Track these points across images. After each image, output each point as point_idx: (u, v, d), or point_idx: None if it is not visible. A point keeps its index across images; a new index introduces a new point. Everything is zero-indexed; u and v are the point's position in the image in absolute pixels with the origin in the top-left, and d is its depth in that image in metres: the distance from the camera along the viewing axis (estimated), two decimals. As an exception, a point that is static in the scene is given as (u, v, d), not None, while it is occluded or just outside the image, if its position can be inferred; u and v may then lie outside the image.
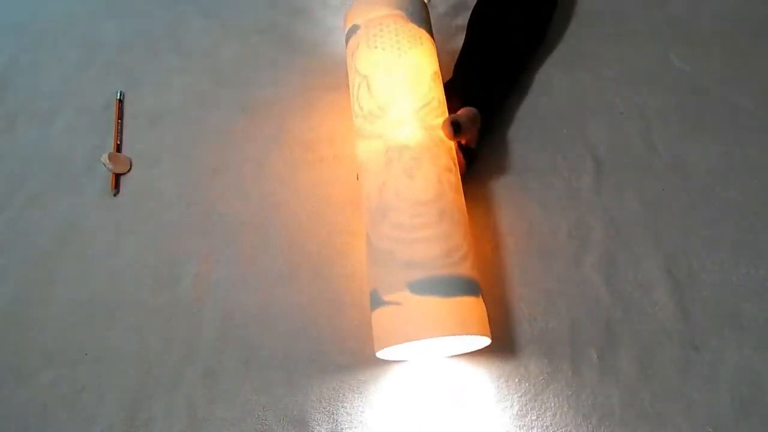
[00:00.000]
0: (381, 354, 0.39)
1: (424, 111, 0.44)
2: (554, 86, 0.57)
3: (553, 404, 0.40)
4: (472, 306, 0.38)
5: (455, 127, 0.44)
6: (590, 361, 0.42)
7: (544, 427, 0.40)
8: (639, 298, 0.44)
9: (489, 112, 0.50)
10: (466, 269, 0.39)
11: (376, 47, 0.47)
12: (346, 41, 0.51)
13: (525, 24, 0.57)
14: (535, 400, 0.41)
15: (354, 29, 0.49)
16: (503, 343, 0.43)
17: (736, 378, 0.40)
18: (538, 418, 0.40)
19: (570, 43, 0.60)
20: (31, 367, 0.46)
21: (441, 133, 0.44)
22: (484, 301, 0.40)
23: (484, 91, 0.52)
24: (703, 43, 0.59)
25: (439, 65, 0.50)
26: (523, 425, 0.40)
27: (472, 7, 0.60)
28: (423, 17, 0.50)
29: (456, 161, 0.45)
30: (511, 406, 0.41)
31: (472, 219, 0.49)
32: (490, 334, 0.39)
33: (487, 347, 0.43)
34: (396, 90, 0.45)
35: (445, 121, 0.44)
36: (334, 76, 0.61)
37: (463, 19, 0.60)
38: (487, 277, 0.46)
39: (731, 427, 0.39)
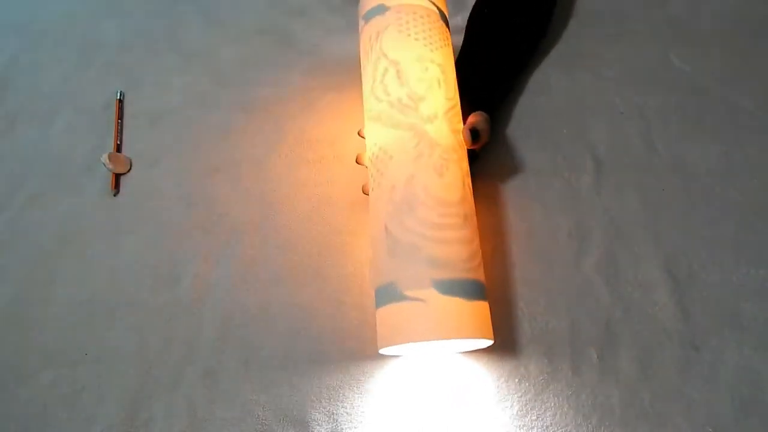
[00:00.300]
0: (385, 350, 0.39)
1: (451, 113, 0.44)
2: (554, 86, 0.57)
3: (553, 404, 0.40)
4: (486, 310, 0.39)
5: (474, 135, 0.45)
6: (590, 361, 0.42)
7: (544, 427, 0.40)
8: (639, 298, 0.44)
9: (489, 112, 0.51)
10: (481, 275, 0.40)
11: (409, 35, 0.45)
12: (367, 19, 0.48)
13: (525, 23, 0.57)
14: (535, 400, 0.41)
15: (380, 9, 0.47)
16: (503, 343, 0.43)
17: (736, 378, 0.40)
18: (538, 418, 0.40)
19: (570, 43, 0.60)
20: (31, 367, 0.46)
21: (461, 138, 0.45)
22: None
23: (484, 91, 0.52)
24: (703, 43, 0.59)
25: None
26: (523, 425, 0.40)
27: (470, 7, 0.60)
28: (447, 21, 0.50)
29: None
30: (511, 406, 0.41)
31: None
32: (492, 337, 0.40)
33: (487, 347, 0.43)
34: (429, 84, 0.44)
35: (465, 127, 0.45)
36: (334, 76, 0.61)
37: (462, 19, 0.60)
38: (488, 277, 0.46)
39: (731, 427, 0.39)
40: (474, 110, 0.48)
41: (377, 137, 0.44)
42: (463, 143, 0.44)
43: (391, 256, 0.39)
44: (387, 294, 0.38)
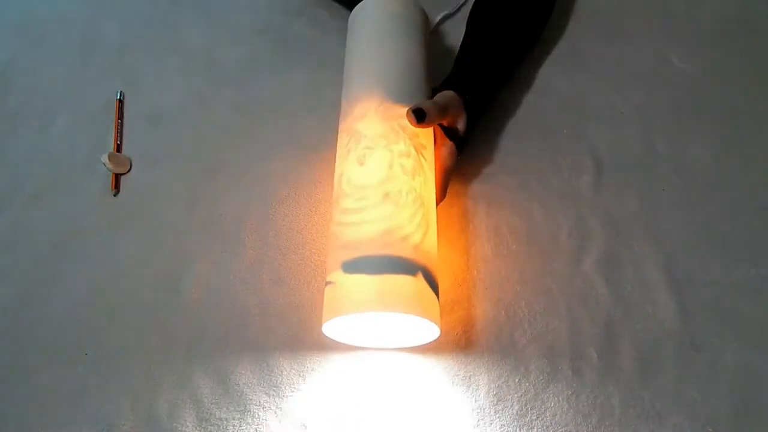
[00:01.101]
0: (327, 332, 0.40)
1: (388, 103, 0.44)
2: (554, 86, 0.57)
3: (553, 404, 0.40)
4: (406, 285, 0.37)
5: (418, 114, 0.43)
6: (590, 361, 0.42)
7: (544, 427, 0.40)
8: (639, 298, 0.44)
9: (476, 95, 0.50)
10: (403, 250, 0.38)
11: (353, 47, 0.49)
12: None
13: (523, 20, 0.57)
14: (535, 400, 0.41)
15: (351, 22, 0.52)
16: (503, 343, 0.43)
17: (736, 378, 0.40)
18: (538, 418, 0.40)
19: (570, 43, 0.60)
20: (31, 367, 0.46)
21: (406, 122, 0.44)
22: (433, 283, 0.39)
23: (475, 79, 0.51)
24: (703, 43, 0.59)
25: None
26: (523, 425, 0.40)
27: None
28: (402, 14, 0.50)
29: (428, 147, 0.45)
30: (511, 406, 0.41)
31: (472, 219, 0.49)
32: (431, 316, 0.37)
33: (487, 347, 0.43)
34: (365, 82, 0.46)
35: (408, 109, 0.44)
36: (333, 76, 0.61)
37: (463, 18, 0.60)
38: (487, 277, 0.46)
39: (731, 427, 0.39)
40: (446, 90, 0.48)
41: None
42: (407, 126, 0.43)
43: (328, 250, 0.42)
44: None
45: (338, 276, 0.38)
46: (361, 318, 0.40)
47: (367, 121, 0.44)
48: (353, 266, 0.38)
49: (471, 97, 0.49)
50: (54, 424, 0.43)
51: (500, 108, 0.56)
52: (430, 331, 0.40)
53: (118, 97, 0.63)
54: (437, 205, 0.46)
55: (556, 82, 0.57)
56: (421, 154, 0.44)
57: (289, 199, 0.53)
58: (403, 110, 0.44)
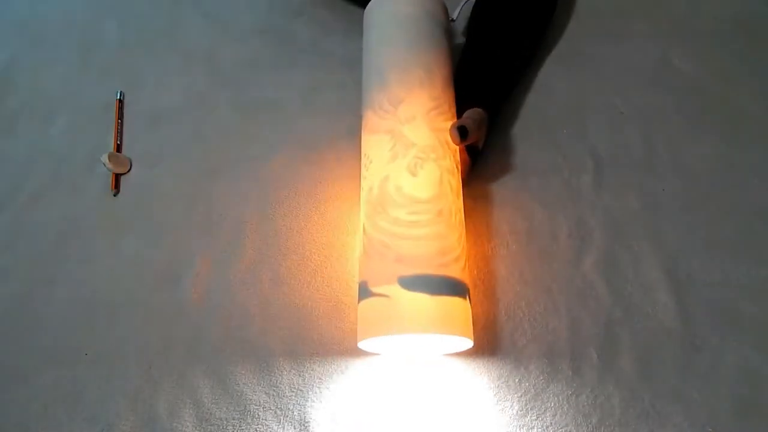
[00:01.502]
0: (363, 345, 0.40)
1: (434, 112, 0.44)
2: (554, 86, 0.57)
3: (553, 404, 0.40)
4: (459, 307, 0.38)
5: (462, 133, 0.44)
6: (590, 361, 0.42)
7: (544, 427, 0.40)
8: (639, 298, 0.44)
9: (493, 110, 0.50)
10: (456, 271, 0.39)
11: (393, 43, 0.47)
12: (366, 36, 0.51)
13: (526, 23, 0.57)
14: (535, 400, 0.41)
15: (372, 25, 0.49)
16: (503, 343, 0.43)
17: (736, 378, 0.40)
18: (538, 418, 0.40)
19: (570, 42, 0.60)
20: (31, 367, 0.46)
21: (448, 137, 0.44)
22: (471, 304, 0.40)
23: (486, 89, 0.52)
24: (703, 43, 0.58)
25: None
26: (523, 425, 0.40)
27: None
28: (443, 24, 0.50)
29: (459, 163, 0.45)
30: (511, 406, 0.41)
31: (472, 219, 0.49)
32: (472, 337, 0.39)
33: (487, 347, 0.43)
34: (409, 87, 0.44)
35: (452, 125, 0.44)
36: (334, 76, 0.61)
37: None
38: (487, 277, 0.46)
39: (731, 427, 0.39)
40: (472, 107, 0.48)
41: (365, 146, 0.45)
42: (449, 141, 0.44)
43: (365, 255, 0.40)
44: (361, 292, 0.40)
45: (395, 291, 0.37)
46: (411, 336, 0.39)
47: (415, 127, 0.43)
48: (412, 283, 0.37)
49: (490, 113, 0.49)
50: (54, 424, 0.43)
51: (501, 108, 0.56)
52: (464, 344, 0.40)
53: (118, 97, 0.63)
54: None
55: (557, 82, 0.57)
56: (459, 173, 0.44)
57: (289, 199, 0.53)
58: (448, 124, 0.44)
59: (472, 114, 0.46)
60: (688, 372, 0.41)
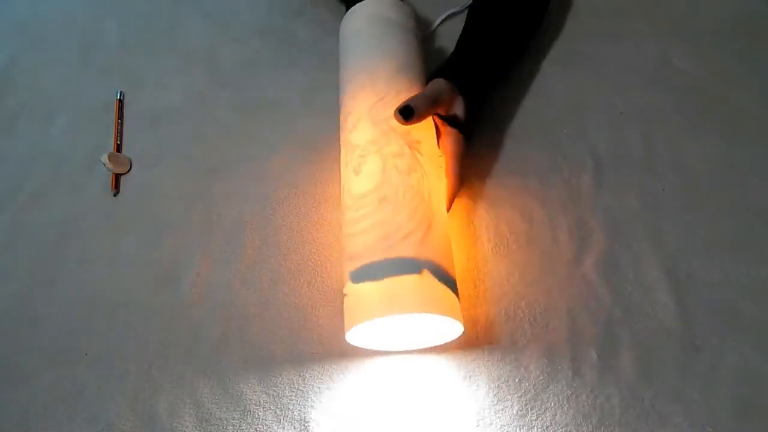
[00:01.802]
0: (350, 340, 0.40)
1: (379, 104, 0.45)
2: (554, 86, 0.57)
3: (553, 404, 0.40)
4: (409, 283, 0.37)
5: (405, 113, 0.43)
6: (590, 361, 0.42)
7: (544, 427, 0.40)
8: (639, 298, 0.44)
9: (477, 80, 0.50)
10: (405, 249, 0.38)
11: (343, 67, 0.50)
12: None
13: (522, 11, 0.57)
14: (535, 400, 0.41)
15: (342, 31, 0.53)
16: (503, 343, 0.43)
17: (736, 378, 0.40)
18: (538, 418, 0.40)
19: (570, 42, 0.60)
20: (31, 367, 0.46)
21: (394, 123, 0.43)
22: (443, 277, 0.38)
23: (469, 62, 0.51)
24: (703, 43, 0.59)
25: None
26: (523, 425, 0.40)
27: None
28: (391, 18, 0.50)
29: (420, 141, 0.44)
30: (511, 406, 0.41)
31: (472, 219, 0.49)
32: (442, 311, 0.37)
33: (486, 347, 0.43)
34: (352, 94, 0.46)
35: (395, 109, 0.43)
36: (333, 76, 0.61)
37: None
38: (488, 277, 0.46)
39: (731, 427, 0.38)
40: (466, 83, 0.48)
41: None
42: (396, 126, 0.43)
43: (342, 263, 0.43)
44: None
45: (349, 287, 0.39)
46: (379, 324, 0.39)
47: (358, 130, 0.45)
48: (359, 275, 0.38)
49: (466, 80, 0.49)
50: (54, 424, 0.43)
51: (500, 108, 0.56)
52: (452, 327, 0.39)
53: (118, 97, 0.63)
54: (456, 193, 0.47)
55: (556, 82, 0.57)
56: (416, 150, 0.43)
57: (289, 199, 0.53)
58: (392, 111, 0.44)
59: (425, 89, 0.46)
60: (688, 372, 0.41)
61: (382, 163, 0.42)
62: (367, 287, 0.37)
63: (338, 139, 0.48)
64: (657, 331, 0.43)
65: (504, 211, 0.50)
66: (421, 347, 0.43)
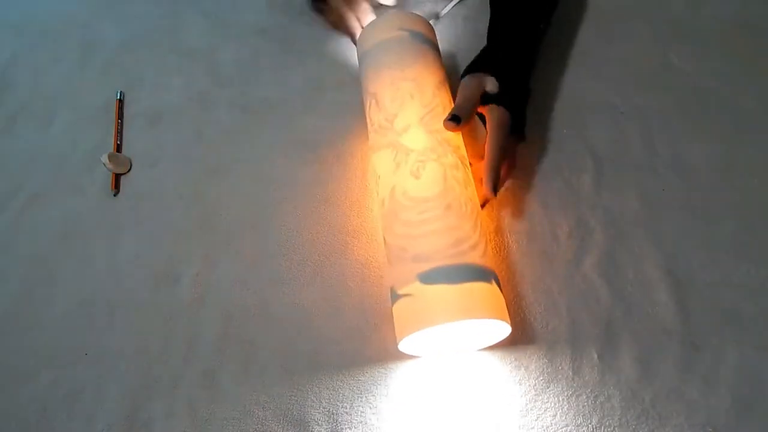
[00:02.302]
0: (402, 347, 0.40)
1: (428, 117, 0.46)
2: (554, 86, 0.57)
3: (553, 404, 0.40)
4: (484, 291, 0.38)
5: (454, 120, 0.46)
6: (590, 361, 0.42)
7: (544, 427, 0.40)
8: (639, 298, 0.44)
9: (507, 52, 0.52)
10: (475, 258, 0.39)
11: (381, 66, 0.50)
12: (359, 66, 0.54)
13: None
14: (535, 400, 0.41)
15: (363, 55, 0.53)
16: (503, 344, 0.43)
17: (736, 378, 0.40)
18: (538, 418, 0.40)
19: (570, 42, 0.60)
20: (31, 367, 0.46)
21: (447, 135, 0.46)
22: (501, 289, 0.41)
23: (509, 54, 0.52)
24: (703, 43, 0.59)
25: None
26: (523, 425, 0.40)
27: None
28: (425, 34, 0.52)
29: (466, 157, 0.47)
30: (511, 406, 0.41)
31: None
32: (507, 319, 0.39)
33: (486, 348, 0.43)
34: (401, 101, 0.47)
35: (444, 120, 0.46)
36: (334, 76, 0.61)
37: (467, 10, 0.60)
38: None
39: (731, 427, 0.39)
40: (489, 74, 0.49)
41: (373, 164, 0.48)
42: (449, 140, 0.46)
43: (389, 263, 0.42)
44: (391, 297, 0.41)
45: (416, 288, 0.38)
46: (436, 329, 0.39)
47: (411, 134, 0.45)
48: (430, 277, 0.38)
49: (502, 67, 0.50)
50: (54, 424, 0.43)
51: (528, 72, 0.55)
52: (500, 331, 0.40)
53: (118, 97, 0.63)
54: (499, 168, 0.47)
55: (556, 82, 0.57)
56: (466, 165, 0.46)
57: (289, 199, 0.53)
58: (440, 123, 0.46)
59: (458, 97, 0.48)
60: (688, 372, 0.41)
61: (443, 172, 0.43)
62: (440, 290, 0.37)
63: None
64: (657, 331, 0.43)
65: (504, 211, 0.50)
66: (461, 351, 0.44)
